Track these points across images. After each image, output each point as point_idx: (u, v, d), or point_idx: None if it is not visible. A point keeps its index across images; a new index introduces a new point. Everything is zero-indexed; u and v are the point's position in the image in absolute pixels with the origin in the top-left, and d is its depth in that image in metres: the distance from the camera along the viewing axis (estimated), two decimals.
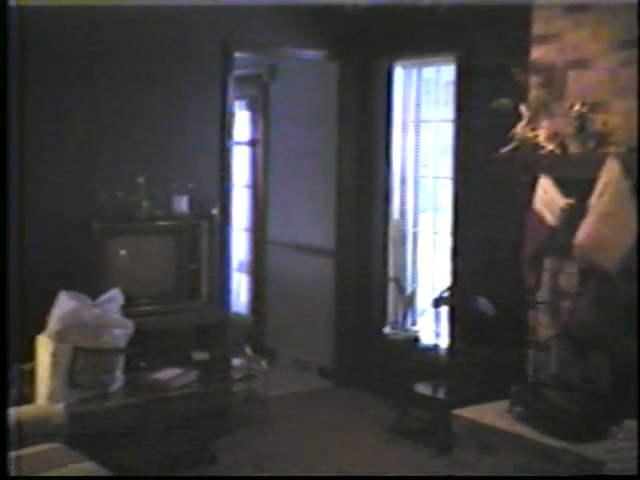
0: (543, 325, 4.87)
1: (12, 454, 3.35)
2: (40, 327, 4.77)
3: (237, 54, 5.98)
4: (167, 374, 5.16)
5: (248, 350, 6.25)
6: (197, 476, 4.91)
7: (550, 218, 4.53)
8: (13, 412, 3.90)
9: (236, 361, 5.96)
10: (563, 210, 4.46)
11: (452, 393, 5.46)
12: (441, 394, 5.59)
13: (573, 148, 4.57)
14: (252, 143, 7.71)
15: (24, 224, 4.84)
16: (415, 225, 6.49)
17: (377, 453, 5.35)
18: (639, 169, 4.07)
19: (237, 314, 7.22)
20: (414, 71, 6.38)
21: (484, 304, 5.27)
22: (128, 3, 5.29)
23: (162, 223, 5.42)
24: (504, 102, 4.81)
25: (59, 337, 4.70)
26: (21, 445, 3.58)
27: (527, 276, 4.74)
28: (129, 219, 5.25)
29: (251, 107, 7.71)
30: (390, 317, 6.50)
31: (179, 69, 5.69)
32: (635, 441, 3.36)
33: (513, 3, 5.03)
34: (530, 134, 4.73)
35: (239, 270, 7.84)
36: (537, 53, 4.89)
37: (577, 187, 4.43)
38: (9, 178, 3.58)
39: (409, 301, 6.40)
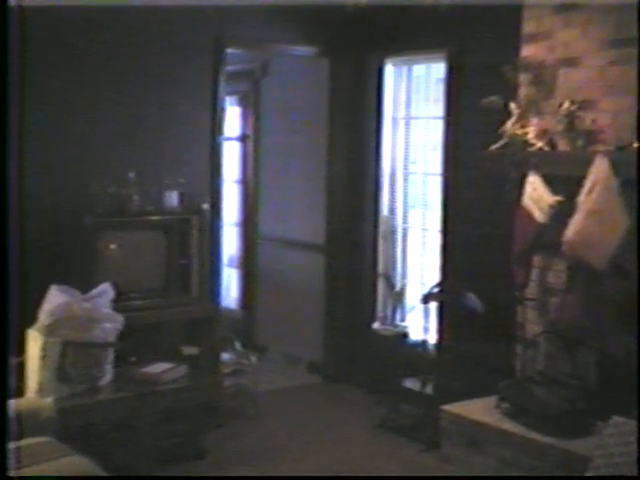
0: (531, 321, 4.89)
1: None
2: (30, 321, 4.77)
3: (229, 50, 5.98)
4: (157, 368, 5.16)
5: (238, 345, 6.27)
6: (193, 476, 4.91)
7: (539, 215, 4.55)
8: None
9: (226, 356, 5.96)
10: (552, 207, 4.48)
11: (440, 389, 5.49)
12: (429, 390, 5.62)
13: (562, 146, 4.59)
14: (243, 138, 7.72)
15: (21, 219, 4.85)
16: (405, 221, 6.51)
17: (365, 448, 5.37)
18: (639, 165, 4.09)
19: (227, 309, 7.21)
20: (404, 68, 6.39)
21: (473, 300, 5.29)
22: (124, 2, 5.30)
23: (153, 218, 5.40)
24: (494, 99, 4.82)
25: (49, 331, 4.69)
26: (10, 438, 3.58)
27: (516, 273, 4.77)
28: (120, 214, 5.22)
29: (242, 103, 7.72)
30: (379, 313, 6.52)
31: (171, 64, 5.69)
32: (622, 437, 3.38)
33: (504, 1, 5.05)
34: (519, 131, 4.74)
35: (229, 265, 7.85)
36: (527, 51, 4.91)
37: (566, 184, 4.45)
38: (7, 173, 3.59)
39: (398, 297, 6.41)
